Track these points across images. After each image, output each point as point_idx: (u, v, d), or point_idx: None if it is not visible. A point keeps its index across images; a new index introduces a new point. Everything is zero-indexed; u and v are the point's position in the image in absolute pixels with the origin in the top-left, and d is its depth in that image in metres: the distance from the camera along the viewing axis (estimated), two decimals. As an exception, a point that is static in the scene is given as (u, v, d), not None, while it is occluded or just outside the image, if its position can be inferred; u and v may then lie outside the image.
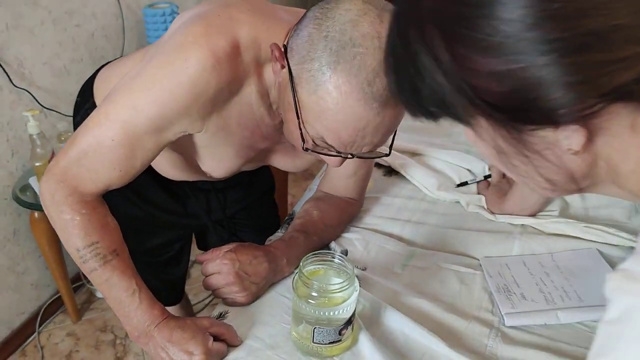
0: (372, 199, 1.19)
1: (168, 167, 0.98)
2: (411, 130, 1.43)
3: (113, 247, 0.77)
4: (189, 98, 0.72)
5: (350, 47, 0.62)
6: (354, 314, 0.79)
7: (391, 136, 0.74)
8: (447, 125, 1.49)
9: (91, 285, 2.04)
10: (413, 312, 0.88)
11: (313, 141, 0.71)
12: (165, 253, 1.23)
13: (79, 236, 0.75)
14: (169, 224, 1.14)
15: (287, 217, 1.13)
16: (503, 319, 0.87)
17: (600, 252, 1.01)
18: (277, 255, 0.93)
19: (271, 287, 0.93)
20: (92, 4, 1.89)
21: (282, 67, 0.69)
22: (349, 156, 0.72)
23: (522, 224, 1.10)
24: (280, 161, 0.98)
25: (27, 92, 1.68)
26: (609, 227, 1.05)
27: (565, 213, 1.12)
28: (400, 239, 1.07)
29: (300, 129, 0.69)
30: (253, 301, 0.90)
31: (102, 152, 0.74)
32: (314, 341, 0.78)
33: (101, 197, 0.80)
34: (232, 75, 0.73)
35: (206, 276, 0.89)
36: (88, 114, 0.77)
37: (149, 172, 1.02)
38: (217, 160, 0.88)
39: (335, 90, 0.63)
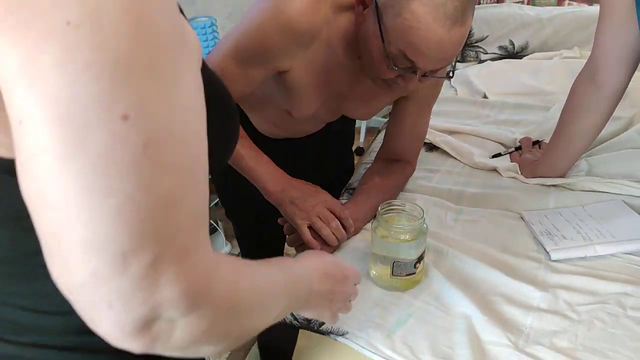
0: (416, 172, 1.34)
1: (264, 124, 1.21)
2: (445, 115, 1.59)
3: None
4: (280, 39, 0.91)
5: None
6: (424, 251, 0.94)
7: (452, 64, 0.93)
8: (474, 109, 1.63)
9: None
10: (471, 252, 1.02)
11: (395, 62, 0.87)
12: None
13: None
14: None
15: (345, 187, 1.29)
16: (549, 255, 1.02)
17: (625, 202, 1.16)
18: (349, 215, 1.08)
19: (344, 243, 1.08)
20: (139, 20, 2.06)
21: (365, 7, 0.88)
22: (425, 75, 0.89)
23: (555, 185, 1.25)
24: (355, 109, 1.16)
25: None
26: (630, 181, 1.20)
27: (590, 173, 1.27)
28: (448, 199, 1.22)
29: (385, 50, 0.86)
30: (332, 252, 1.05)
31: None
32: (393, 274, 0.93)
33: None
34: (314, 21, 0.92)
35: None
36: None
37: None
38: (299, 99, 1.05)
39: (417, 11, 0.80)
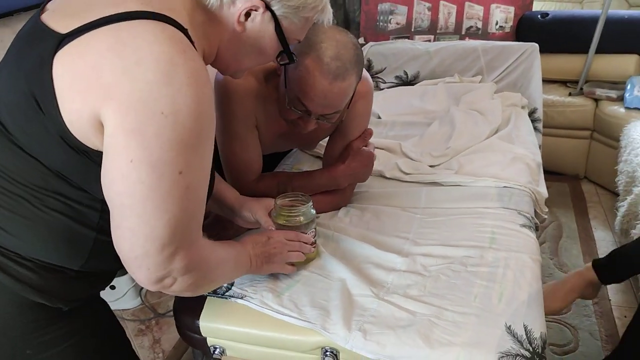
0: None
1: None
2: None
3: None
4: (245, 109, 1.21)
5: (319, 43, 1.06)
6: (316, 234, 1.16)
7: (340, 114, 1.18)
8: (370, 128, 1.83)
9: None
10: (352, 234, 1.26)
11: (293, 105, 1.12)
12: None
13: None
14: None
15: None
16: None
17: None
18: None
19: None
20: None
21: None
22: (318, 118, 1.14)
23: (428, 182, 1.52)
24: (298, 144, 1.52)
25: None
26: (488, 177, 1.48)
27: (460, 171, 1.54)
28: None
29: (287, 94, 1.11)
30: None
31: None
32: (288, 252, 1.14)
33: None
34: (249, 85, 1.18)
35: None
36: None
37: None
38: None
39: (308, 66, 1.06)
